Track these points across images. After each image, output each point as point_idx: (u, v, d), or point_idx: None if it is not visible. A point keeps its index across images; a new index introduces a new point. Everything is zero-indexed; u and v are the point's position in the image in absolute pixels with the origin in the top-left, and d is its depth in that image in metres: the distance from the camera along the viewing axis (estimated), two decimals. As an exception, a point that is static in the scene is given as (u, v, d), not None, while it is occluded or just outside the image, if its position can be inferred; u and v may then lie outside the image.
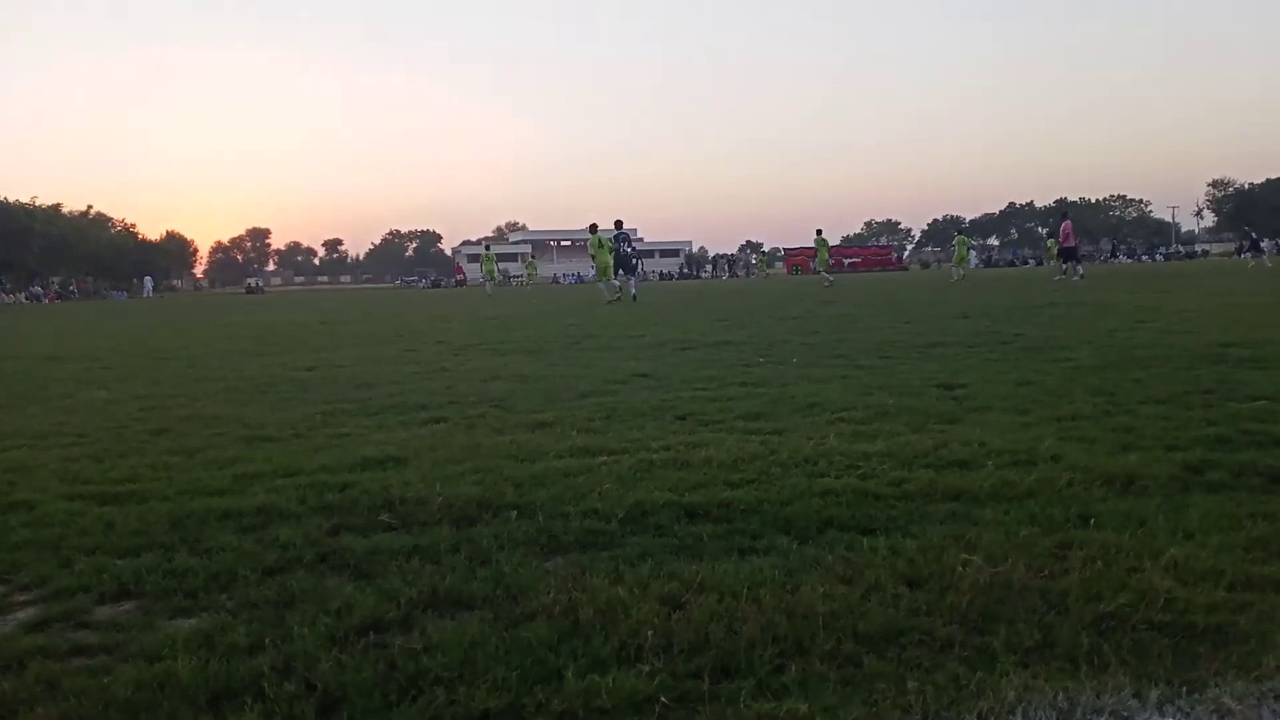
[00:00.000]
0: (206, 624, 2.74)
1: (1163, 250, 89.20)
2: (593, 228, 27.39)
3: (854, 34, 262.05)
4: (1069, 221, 33.04)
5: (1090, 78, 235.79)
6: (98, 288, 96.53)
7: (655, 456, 4.65)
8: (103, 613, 2.93)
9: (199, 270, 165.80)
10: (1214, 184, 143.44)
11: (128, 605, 2.99)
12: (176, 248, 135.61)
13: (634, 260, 27.62)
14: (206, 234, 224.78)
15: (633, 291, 26.14)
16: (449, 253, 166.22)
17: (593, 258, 27.84)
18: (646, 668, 2.34)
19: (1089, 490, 3.79)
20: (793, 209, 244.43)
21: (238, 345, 14.30)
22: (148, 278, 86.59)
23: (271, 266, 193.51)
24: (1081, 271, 31.38)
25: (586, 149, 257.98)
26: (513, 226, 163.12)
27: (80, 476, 4.77)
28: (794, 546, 3.25)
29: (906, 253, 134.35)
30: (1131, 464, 4.13)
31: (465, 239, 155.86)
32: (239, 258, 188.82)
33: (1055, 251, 35.32)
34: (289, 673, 2.39)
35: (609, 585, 2.85)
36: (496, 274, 35.75)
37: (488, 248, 35.50)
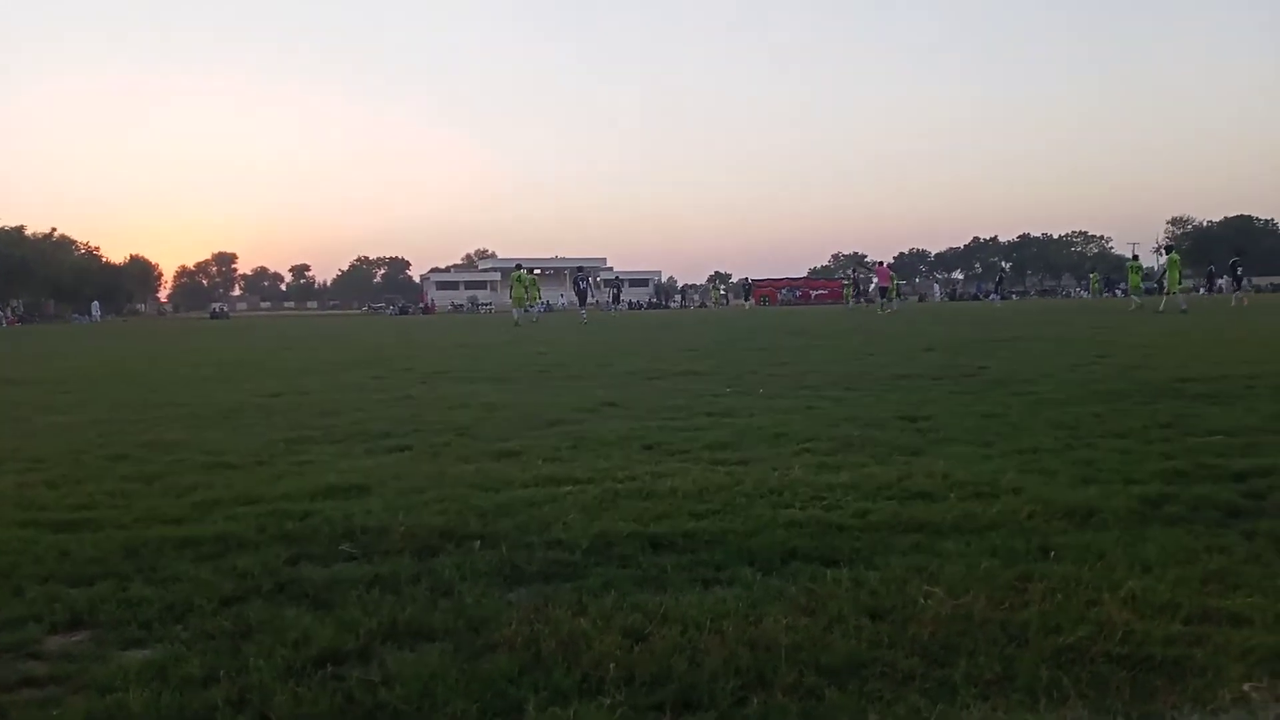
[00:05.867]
0: (160, 655, 2.70)
1: (1122, 286, 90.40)
2: (517, 266, 36.76)
3: (822, 69, 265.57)
4: (884, 266, 44.84)
5: (1052, 115, 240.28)
6: (60, 311, 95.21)
7: (621, 486, 4.64)
8: (54, 643, 2.88)
9: (163, 294, 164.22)
10: (1173, 221, 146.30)
11: (80, 635, 2.94)
12: (140, 271, 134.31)
13: (587, 293, 38.47)
14: (171, 258, 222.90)
15: (583, 318, 35.64)
16: (417, 279, 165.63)
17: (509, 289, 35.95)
18: (608, 700, 2.32)
19: (1049, 523, 3.82)
20: (761, 240, 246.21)
21: (200, 371, 14.14)
22: (95, 303, 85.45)
23: (237, 291, 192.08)
24: (894, 307, 39.49)
25: (557, 178, 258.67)
26: (482, 254, 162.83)
27: (35, 503, 4.69)
28: (758, 578, 3.25)
29: (873, 285, 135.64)
30: (1091, 497, 4.17)
31: (434, 266, 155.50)
32: (204, 282, 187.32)
33: (876, 289, 44.17)
34: (244, 705, 2.35)
35: (572, 617, 2.84)
36: (529, 300, 35.11)
37: (519, 266, 35.89)
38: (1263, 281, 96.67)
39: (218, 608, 3.06)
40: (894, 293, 45.52)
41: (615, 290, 56.97)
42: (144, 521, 4.21)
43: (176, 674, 2.54)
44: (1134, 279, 35.86)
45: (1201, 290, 41.11)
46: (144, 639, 2.87)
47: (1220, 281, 42.40)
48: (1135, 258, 39.36)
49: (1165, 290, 32.78)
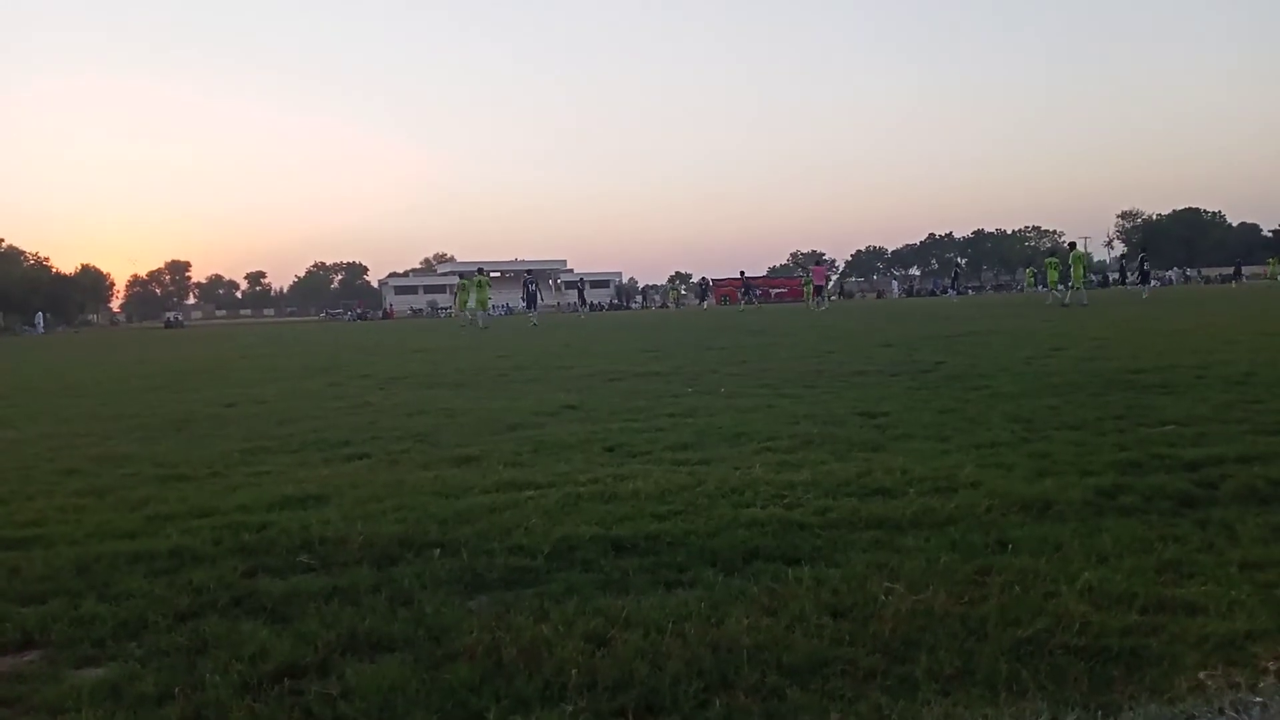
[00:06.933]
0: (114, 673, 2.64)
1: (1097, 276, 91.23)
2: (480, 270, 37.04)
3: (779, 67, 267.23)
4: (820, 266, 50.28)
5: (1006, 112, 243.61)
6: (9, 323, 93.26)
7: (582, 490, 4.62)
8: (4, 663, 2.81)
9: (115, 304, 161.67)
10: (1123, 215, 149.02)
11: (31, 655, 2.87)
12: (91, 281, 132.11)
13: (537, 296, 39.36)
14: (124, 267, 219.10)
15: (534, 321, 36.62)
16: (375, 285, 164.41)
17: (467, 291, 37.22)
18: (570, 707, 2.31)
19: (1007, 516, 3.86)
20: (722, 240, 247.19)
21: (153, 381, 13.91)
22: (39, 314, 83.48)
23: (192, 300, 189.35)
24: (825, 306, 41.99)
25: (515, 181, 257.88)
26: (441, 258, 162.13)
27: (-17, 521, 4.57)
28: (720, 578, 3.25)
29: (831, 282, 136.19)
30: (1048, 489, 4.22)
31: (392, 271, 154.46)
32: (158, 291, 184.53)
33: (813, 288, 46.60)
34: (199, 723, 2.31)
35: (533, 623, 2.82)
36: (490, 304, 37.03)
37: (480, 270, 37.11)
38: (1211, 273, 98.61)
39: (173, 623, 3.01)
40: (827, 292, 46.96)
41: (579, 291, 57.02)
42: (96, 537, 4.12)
43: (131, 692, 2.49)
44: (1052, 275, 36.91)
45: (1141, 286, 42.87)
46: (97, 657, 2.81)
47: (1130, 276, 44.98)
48: (1052, 253, 40.70)
49: (1070, 284, 33.72)
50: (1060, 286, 35.68)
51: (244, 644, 2.77)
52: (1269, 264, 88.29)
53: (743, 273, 65.04)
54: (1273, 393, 7.06)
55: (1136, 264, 45.03)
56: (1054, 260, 38.06)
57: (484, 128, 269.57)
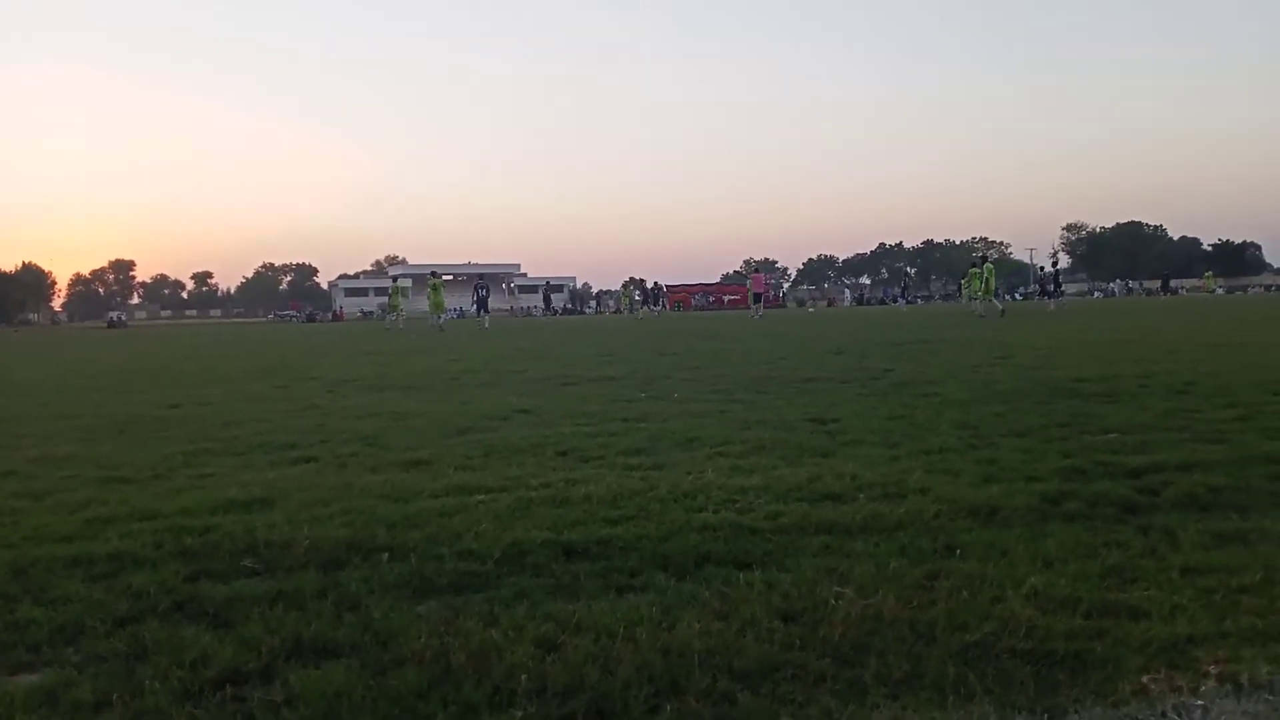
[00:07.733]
0: (50, 679, 2.58)
1: (1021, 290, 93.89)
2: (433, 273, 39.40)
3: (732, 75, 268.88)
4: (759, 274, 53.07)
5: (955, 125, 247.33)
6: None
7: (534, 494, 4.60)
8: (-66, 671, 2.72)
9: (57, 304, 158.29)
10: (1068, 227, 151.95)
11: (-37, 661, 2.78)
12: (33, 280, 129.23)
13: (488, 299, 40.82)
14: (66, 265, 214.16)
15: (485, 325, 36.80)
16: (325, 286, 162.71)
17: (398, 294, 41.16)
18: (520, 713, 2.29)
19: (955, 521, 3.90)
20: (676, 246, 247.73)
21: (95, 381, 13.61)
22: None
23: (136, 300, 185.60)
24: (762, 313, 43.40)
25: (469, 184, 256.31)
26: (392, 260, 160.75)
27: (-87, 523, 4.43)
28: (671, 583, 3.24)
29: (783, 291, 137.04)
30: (994, 495, 4.27)
31: (342, 272, 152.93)
32: (101, 291, 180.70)
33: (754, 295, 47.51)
34: (137, 731, 2.25)
35: (483, 628, 2.79)
36: (445, 306, 37.65)
37: (434, 274, 38.95)
38: (1153, 285, 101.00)
39: (111, 629, 2.93)
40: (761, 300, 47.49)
41: (545, 295, 57.25)
42: (33, 540, 4.02)
43: (67, 699, 2.43)
44: (975, 284, 37.85)
45: (1048, 300, 44.54)
46: (33, 663, 2.73)
47: (1048, 287, 47.22)
48: (974, 265, 41.94)
49: (977, 295, 35.10)
50: (981, 296, 36.51)
51: (185, 650, 2.71)
52: (1205, 278, 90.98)
53: (651, 281, 71.24)
54: (1212, 402, 7.22)
55: (1052, 277, 47.60)
56: (976, 271, 39.03)
57: (437, 129, 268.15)
